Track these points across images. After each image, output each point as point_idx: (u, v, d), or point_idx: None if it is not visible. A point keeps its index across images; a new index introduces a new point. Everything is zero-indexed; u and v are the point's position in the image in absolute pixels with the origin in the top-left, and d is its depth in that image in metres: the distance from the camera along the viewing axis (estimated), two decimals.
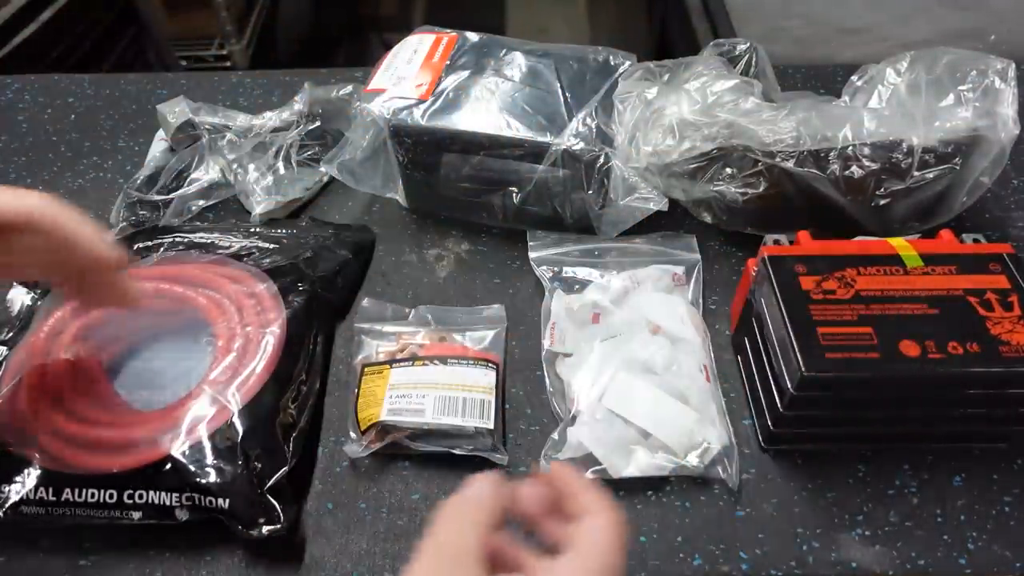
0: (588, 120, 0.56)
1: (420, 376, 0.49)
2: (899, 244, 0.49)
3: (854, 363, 0.43)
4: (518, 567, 0.32)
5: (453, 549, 0.31)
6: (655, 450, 0.47)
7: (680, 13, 1.18)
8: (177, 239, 0.57)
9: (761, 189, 0.55)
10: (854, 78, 0.60)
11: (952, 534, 0.46)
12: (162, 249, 0.56)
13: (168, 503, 0.43)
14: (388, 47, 0.66)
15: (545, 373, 0.53)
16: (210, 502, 0.43)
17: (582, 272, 0.58)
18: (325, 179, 0.67)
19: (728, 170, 0.55)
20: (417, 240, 0.63)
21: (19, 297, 0.55)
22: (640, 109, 0.57)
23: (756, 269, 0.50)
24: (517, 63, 0.61)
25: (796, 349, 0.43)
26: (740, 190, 0.55)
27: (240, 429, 0.45)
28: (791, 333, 0.44)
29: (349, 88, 0.68)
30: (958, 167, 0.52)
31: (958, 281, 0.47)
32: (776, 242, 0.50)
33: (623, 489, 0.47)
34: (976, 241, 0.50)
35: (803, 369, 0.42)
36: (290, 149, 0.65)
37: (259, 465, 0.44)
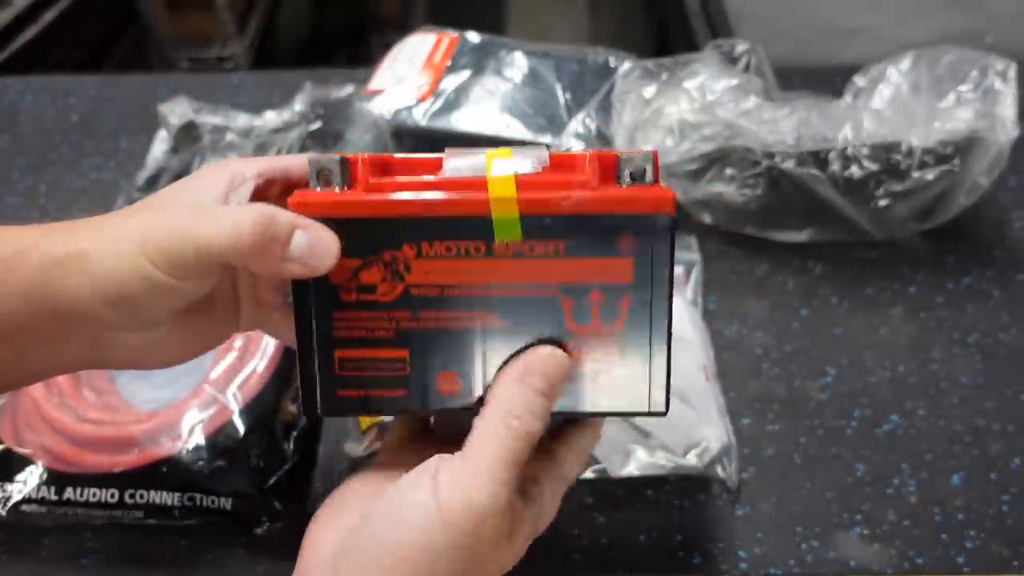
0: (588, 120, 0.56)
1: None
2: (500, 192, 0.30)
3: (372, 402, 0.33)
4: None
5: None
6: (654, 449, 0.47)
7: (680, 13, 1.18)
8: None
9: (761, 190, 0.55)
10: (856, 78, 0.60)
11: (951, 533, 0.46)
12: None
13: (169, 502, 0.43)
14: (389, 47, 0.67)
15: None
16: (211, 501, 0.43)
17: None
18: None
19: (728, 171, 0.55)
20: None
21: None
22: (639, 109, 0.57)
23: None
24: (517, 64, 0.61)
25: (303, 380, 0.33)
26: (740, 191, 0.55)
27: (241, 428, 0.45)
28: (302, 356, 0.33)
29: (350, 88, 0.68)
30: (957, 168, 0.52)
31: (560, 269, 0.31)
32: (321, 175, 0.31)
33: (622, 488, 0.47)
34: (634, 177, 0.30)
35: (312, 410, 0.33)
36: (291, 150, 0.66)
37: (260, 464, 0.44)
